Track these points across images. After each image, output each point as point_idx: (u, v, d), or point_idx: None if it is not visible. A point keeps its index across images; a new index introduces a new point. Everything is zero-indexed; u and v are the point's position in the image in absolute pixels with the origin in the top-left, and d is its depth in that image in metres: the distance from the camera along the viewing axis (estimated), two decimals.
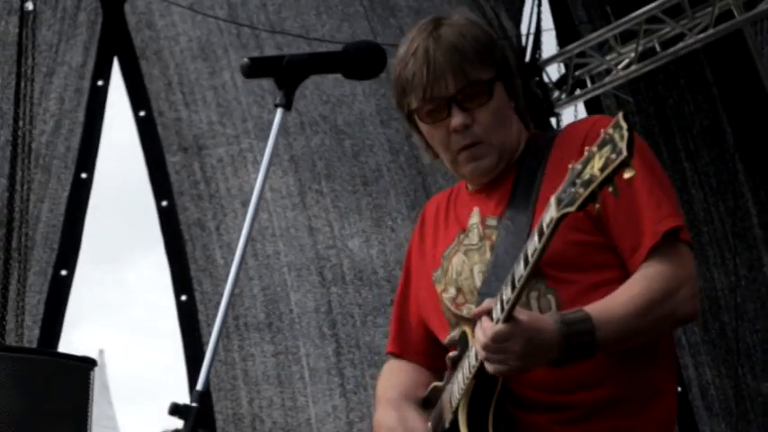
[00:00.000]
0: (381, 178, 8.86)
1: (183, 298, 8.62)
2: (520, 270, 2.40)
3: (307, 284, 8.68)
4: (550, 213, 2.33)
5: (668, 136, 9.28)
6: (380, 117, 8.94)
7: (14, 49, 8.13)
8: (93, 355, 5.87)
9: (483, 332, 2.45)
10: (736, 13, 8.06)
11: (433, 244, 2.79)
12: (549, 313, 2.50)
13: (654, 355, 2.59)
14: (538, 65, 8.94)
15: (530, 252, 2.38)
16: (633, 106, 9.30)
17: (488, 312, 2.46)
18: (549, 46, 9.26)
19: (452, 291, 2.70)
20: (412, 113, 2.70)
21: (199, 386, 2.32)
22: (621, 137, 2.21)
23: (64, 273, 8.28)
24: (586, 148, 2.29)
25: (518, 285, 2.40)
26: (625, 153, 2.19)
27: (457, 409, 2.58)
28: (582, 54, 8.77)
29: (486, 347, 2.45)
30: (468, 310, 2.64)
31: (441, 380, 2.70)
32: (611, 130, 2.24)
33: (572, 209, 2.28)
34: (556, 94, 8.98)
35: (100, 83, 8.70)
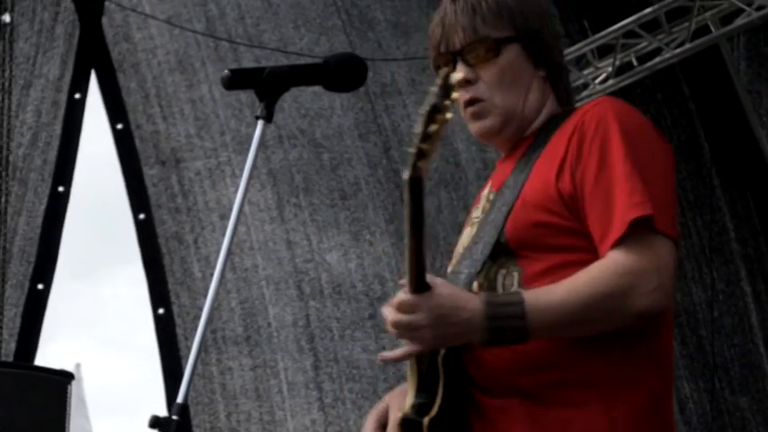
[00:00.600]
0: (360, 192, 8.85)
1: (161, 311, 8.59)
2: (406, 240, 2.36)
3: (285, 298, 8.67)
4: (404, 177, 2.34)
5: None
6: (359, 131, 8.94)
7: None
8: (69, 369, 5.84)
9: (392, 304, 2.41)
10: (712, 29, 8.10)
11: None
12: (481, 293, 2.43)
13: (624, 344, 2.47)
14: None
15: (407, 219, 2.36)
16: None
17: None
18: None
19: (455, 263, 2.63)
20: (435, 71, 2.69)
21: (179, 399, 2.31)
22: (433, 90, 2.24)
23: (40, 286, 8.24)
24: (419, 109, 2.30)
25: (407, 254, 2.35)
26: (433, 100, 2.21)
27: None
28: None
29: (392, 322, 2.39)
30: None
31: None
32: (434, 87, 2.24)
33: (409, 170, 2.29)
34: None
35: (77, 95, 8.68)
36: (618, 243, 2.41)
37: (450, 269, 2.63)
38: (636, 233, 2.41)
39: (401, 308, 2.38)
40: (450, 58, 2.61)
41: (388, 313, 2.41)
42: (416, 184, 2.31)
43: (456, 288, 2.42)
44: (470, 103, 2.62)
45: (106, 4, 8.85)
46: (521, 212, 2.48)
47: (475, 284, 2.52)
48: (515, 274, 2.49)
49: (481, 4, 2.59)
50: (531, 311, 2.37)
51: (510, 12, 2.60)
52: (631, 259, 2.39)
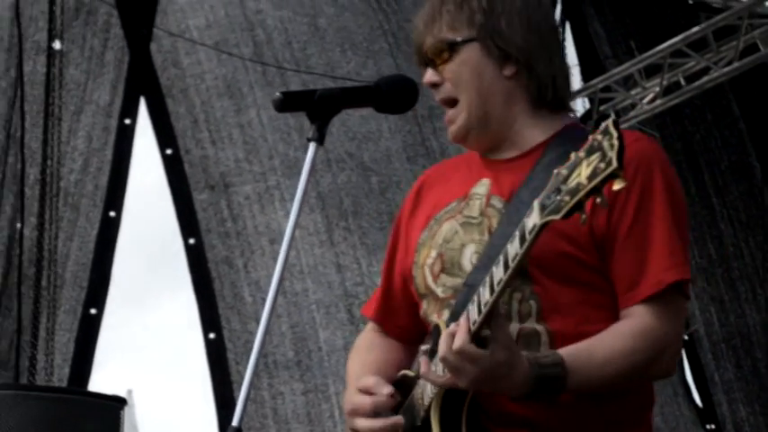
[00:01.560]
0: None
1: (212, 336, 8.60)
2: (500, 273, 2.31)
3: (335, 322, 8.66)
4: (533, 219, 2.23)
5: (696, 171, 9.25)
6: (407, 153, 8.94)
7: (42, 89, 8.19)
8: (121, 395, 5.86)
9: (446, 342, 2.36)
10: (761, 47, 8.06)
11: (429, 206, 2.70)
12: (526, 356, 2.39)
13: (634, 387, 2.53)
14: None
15: (510, 256, 2.29)
16: (660, 141, 9.29)
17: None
18: (574, 81, 9.26)
19: (433, 255, 2.60)
20: None
21: (234, 422, 2.31)
22: (611, 146, 2.12)
23: (93, 311, 8.29)
24: (573, 153, 2.20)
25: (497, 289, 2.31)
26: (615, 164, 2.10)
27: (429, 407, 2.50)
28: (606, 89, 8.76)
29: (444, 360, 2.37)
30: (443, 284, 2.56)
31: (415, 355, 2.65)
32: (599, 137, 2.15)
33: (557, 217, 2.19)
34: None
35: (127, 121, 8.75)
36: (651, 303, 2.42)
37: (431, 258, 2.58)
38: (667, 296, 2.43)
39: (461, 354, 2.35)
40: (424, 61, 2.66)
41: (444, 344, 2.38)
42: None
43: (512, 348, 2.38)
44: (445, 103, 2.64)
45: (155, 30, 8.93)
46: (547, 238, 2.38)
47: None
48: (532, 304, 2.47)
49: (441, 11, 2.63)
50: (570, 384, 2.39)
51: (471, 12, 2.60)
52: (663, 324, 2.42)
